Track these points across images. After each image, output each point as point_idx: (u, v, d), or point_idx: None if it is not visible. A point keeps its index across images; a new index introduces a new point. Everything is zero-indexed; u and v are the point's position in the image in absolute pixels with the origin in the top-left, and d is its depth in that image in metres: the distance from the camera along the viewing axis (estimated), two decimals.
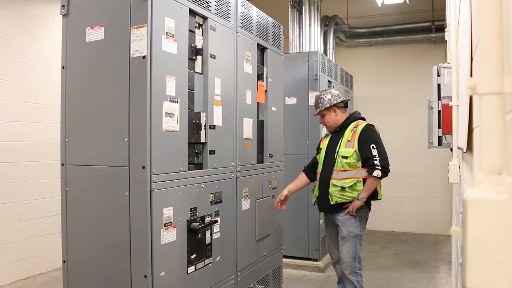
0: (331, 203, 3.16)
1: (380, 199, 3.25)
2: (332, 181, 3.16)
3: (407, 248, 6.05)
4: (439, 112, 3.16)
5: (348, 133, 3.18)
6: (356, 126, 3.18)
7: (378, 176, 3.03)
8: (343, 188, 3.10)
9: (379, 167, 3.02)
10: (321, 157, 3.36)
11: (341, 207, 3.16)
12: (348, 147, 3.13)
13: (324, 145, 3.39)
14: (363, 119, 3.34)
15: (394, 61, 7.21)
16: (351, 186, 3.09)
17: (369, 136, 3.10)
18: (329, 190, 3.17)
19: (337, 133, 3.30)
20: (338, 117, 3.29)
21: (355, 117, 3.30)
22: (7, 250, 4.38)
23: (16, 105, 4.51)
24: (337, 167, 3.15)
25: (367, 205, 3.18)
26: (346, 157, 3.10)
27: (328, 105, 3.26)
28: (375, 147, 3.05)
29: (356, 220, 3.14)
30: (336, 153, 3.18)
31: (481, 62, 0.65)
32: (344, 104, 3.36)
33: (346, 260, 3.15)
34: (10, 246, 4.41)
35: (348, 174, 3.11)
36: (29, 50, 4.66)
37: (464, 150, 1.94)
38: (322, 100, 3.30)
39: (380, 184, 3.21)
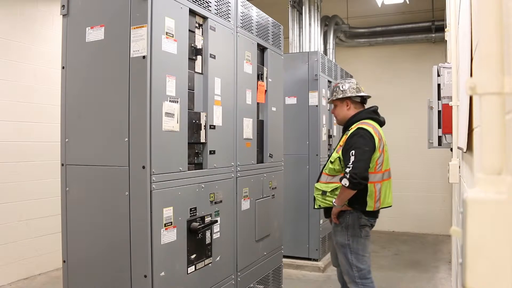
0: (315, 207, 3.05)
1: (370, 211, 2.86)
2: (316, 184, 3.04)
3: (407, 248, 6.05)
4: (439, 112, 3.16)
5: (344, 136, 2.98)
6: (350, 129, 2.93)
7: (345, 185, 2.72)
8: (324, 193, 2.95)
9: (348, 176, 2.71)
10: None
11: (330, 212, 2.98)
12: (337, 152, 2.95)
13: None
14: (373, 119, 2.98)
15: (394, 61, 7.21)
16: (333, 191, 2.91)
17: (353, 142, 2.82)
18: (314, 193, 3.05)
19: (342, 134, 3.10)
20: (349, 111, 3.03)
21: (359, 117, 2.98)
22: (7, 250, 4.38)
23: (16, 105, 4.51)
24: (325, 170, 3.01)
25: (360, 211, 2.87)
26: (332, 162, 2.94)
27: (341, 96, 3.03)
28: (354, 154, 2.75)
29: (342, 228, 2.92)
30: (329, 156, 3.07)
31: (481, 62, 0.65)
32: (362, 100, 3.07)
33: (343, 270, 3.00)
34: (10, 246, 4.41)
35: (333, 179, 2.94)
36: (29, 50, 4.66)
37: (464, 150, 1.94)
38: (337, 89, 3.06)
39: (375, 194, 2.86)
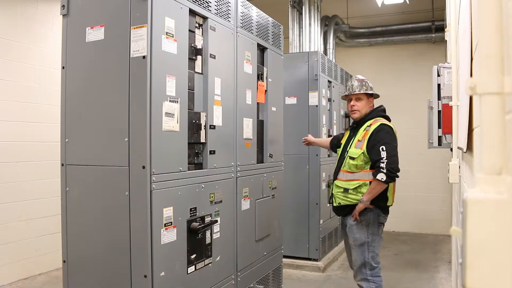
0: (334, 204, 3.06)
1: (390, 205, 3.02)
2: (336, 182, 3.04)
3: (407, 248, 6.05)
4: (439, 112, 3.15)
5: (361, 131, 2.99)
6: (370, 125, 2.96)
7: (382, 180, 2.79)
8: (346, 190, 2.95)
9: (384, 170, 2.78)
10: (338, 153, 3.21)
11: (347, 210, 3.00)
12: (357, 148, 2.94)
13: (344, 140, 3.22)
14: (385, 117, 3.09)
15: (394, 61, 7.21)
16: (356, 188, 2.92)
17: (380, 137, 2.88)
18: (333, 191, 3.07)
19: (353, 129, 3.14)
20: (370, 108, 3.11)
21: (374, 115, 3.06)
22: (7, 250, 4.38)
23: (16, 105, 4.50)
24: (344, 167, 3.00)
25: (379, 208, 2.94)
26: (353, 158, 2.93)
27: (372, 92, 3.10)
28: (384, 149, 2.81)
29: (362, 225, 2.94)
30: (346, 152, 3.04)
31: (481, 62, 0.65)
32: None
33: (355, 267, 3.01)
34: (10, 246, 4.40)
35: (354, 176, 2.94)
36: (29, 50, 4.66)
37: (464, 150, 1.94)
38: (366, 84, 3.11)
39: (393, 190, 3.00)
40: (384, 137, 2.89)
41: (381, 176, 2.80)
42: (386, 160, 2.80)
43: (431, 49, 6.93)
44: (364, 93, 3.09)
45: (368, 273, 2.93)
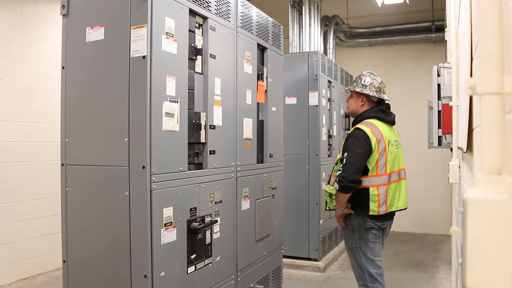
0: (326, 208, 3.05)
1: (372, 215, 2.77)
2: (325, 187, 3.02)
3: (407, 248, 6.05)
4: (439, 112, 3.15)
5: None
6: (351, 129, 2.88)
7: (336, 189, 2.74)
8: (330, 195, 2.92)
9: (337, 179, 2.71)
10: None
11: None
12: (340, 152, 2.92)
13: None
14: (379, 118, 2.89)
15: (394, 61, 7.21)
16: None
17: (348, 144, 2.78)
18: (325, 195, 3.05)
19: None
20: (362, 107, 2.94)
21: (364, 116, 2.90)
22: (7, 250, 4.38)
23: (16, 105, 4.50)
24: (334, 172, 2.98)
25: (364, 214, 2.80)
26: (337, 164, 2.91)
27: (358, 90, 2.91)
28: (345, 156, 2.72)
29: (349, 230, 2.90)
30: None
31: (481, 62, 0.65)
32: (378, 100, 2.96)
33: (354, 273, 2.99)
34: (10, 246, 4.41)
35: None
36: (29, 50, 4.66)
37: (464, 150, 1.94)
38: (359, 80, 2.94)
39: (379, 198, 2.75)
40: (350, 144, 2.76)
41: (335, 185, 2.74)
42: (341, 169, 2.71)
43: (431, 49, 6.93)
44: (353, 90, 2.97)
45: (367, 279, 2.88)
